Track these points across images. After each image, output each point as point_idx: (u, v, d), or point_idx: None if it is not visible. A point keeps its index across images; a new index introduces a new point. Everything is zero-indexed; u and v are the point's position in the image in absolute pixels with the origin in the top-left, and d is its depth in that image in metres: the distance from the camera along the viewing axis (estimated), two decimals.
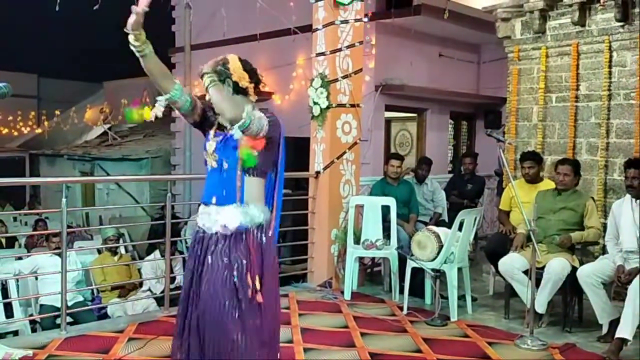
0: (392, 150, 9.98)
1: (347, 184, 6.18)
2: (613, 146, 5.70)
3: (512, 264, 4.91)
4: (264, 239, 2.89)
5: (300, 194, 6.70)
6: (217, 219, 2.88)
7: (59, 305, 4.78)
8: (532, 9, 6.06)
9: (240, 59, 3.05)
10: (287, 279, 6.20)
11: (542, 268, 4.72)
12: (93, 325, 5.05)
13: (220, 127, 3.02)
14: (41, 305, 6.23)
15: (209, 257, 2.85)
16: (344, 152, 6.12)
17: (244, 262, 2.81)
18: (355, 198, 6.10)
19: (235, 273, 2.79)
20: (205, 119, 3.09)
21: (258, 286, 2.80)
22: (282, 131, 2.95)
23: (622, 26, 5.58)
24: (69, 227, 9.63)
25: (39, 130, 20.80)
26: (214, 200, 2.93)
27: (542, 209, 4.95)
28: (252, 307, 2.80)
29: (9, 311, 5.90)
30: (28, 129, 21.41)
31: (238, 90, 2.94)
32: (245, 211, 2.86)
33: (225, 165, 2.94)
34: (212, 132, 3.05)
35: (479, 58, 10.89)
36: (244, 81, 2.96)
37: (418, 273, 5.37)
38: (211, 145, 3.02)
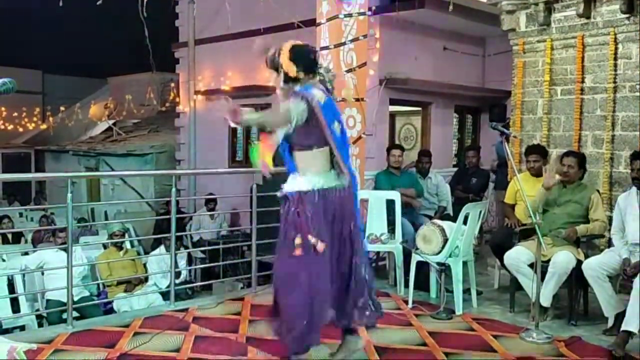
0: None
1: None
2: (618, 139, 5.68)
3: (518, 257, 4.90)
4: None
5: None
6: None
7: (65, 300, 4.80)
8: (537, 1, 6.03)
9: (293, 47, 3.36)
10: None
11: (548, 261, 4.70)
12: (99, 319, 5.07)
13: None
14: (47, 300, 6.27)
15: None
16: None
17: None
18: (360, 192, 6.08)
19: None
20: None
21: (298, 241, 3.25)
22: (323, 109, 3.26)
23: (628, 18, 5.54)
24: (78, 221, 9.74)
25: (44, 126, 20.86)
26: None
27: (548, 202, 4.94)
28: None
29: (15, 306, 5.94)
30: (33, 125, 21.47)
31: (288, 79, 3.32)
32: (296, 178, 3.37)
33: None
34: None
35: (484, 51, 10.84)
36: (292, 72, 3.30)
37: (423, 267, 5.37)
38: None
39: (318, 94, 3.27)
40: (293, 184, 3.36)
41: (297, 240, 3.24)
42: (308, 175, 3.34)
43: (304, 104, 3.20)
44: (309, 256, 3.25)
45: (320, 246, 3.25)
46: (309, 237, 3.24)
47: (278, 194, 3.38)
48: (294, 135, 3.30)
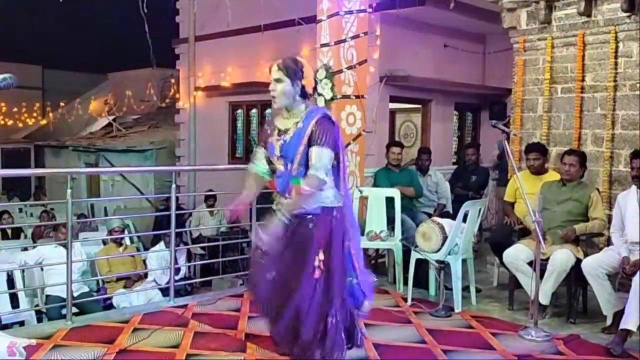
0: None
1: (351, 175, 6.17)
2: (619, 137, 5.68)
3: (517, 255, 4.91)
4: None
5: None
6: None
7: (64, 295, 4.81)
8: None
9: (308, 65, 3.35)
10: None
11: (547, 259, 4.71)
12: (98, 315, 5.07)
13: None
14: (47, 296, 6.27)
15: None
16: (349, 144, 6.11)
17: None
18: (360, 189, 6.09)
19: None
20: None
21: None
22: (336, 129, 3.28)
23: (629, 16, 5.53)
24: (77, 217, 9.73)
25: (43, 122, 20.87)
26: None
27: (547, 200, 4.94)
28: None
29: (15, 302, 5.94)
30: (33, 120, 21.48)
31: (304, 93, 3.28)
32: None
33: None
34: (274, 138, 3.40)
35: (484, 49, 10.83)
36: (310, 87, 3.29)
37: (422, 264, 5.37)
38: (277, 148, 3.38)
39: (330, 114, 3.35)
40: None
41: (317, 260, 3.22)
42: (327, 191, 3.28)
43: (332, 143, 3.23)
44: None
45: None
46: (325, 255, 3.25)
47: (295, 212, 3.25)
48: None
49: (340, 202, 3.33)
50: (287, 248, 3.26)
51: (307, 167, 3.23)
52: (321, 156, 3.17)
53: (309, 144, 3.21)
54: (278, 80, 3.23)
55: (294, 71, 3.23)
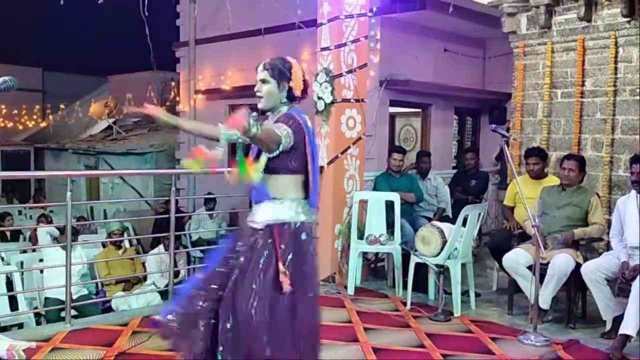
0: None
1: (351, 179, 6.18)
2: (618, 142, 5.68)
3: (517, 259, 4.91)
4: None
5: None
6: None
7: (63, 298, 4.80)
8: (538, 3, 6.04)
9: (301, 69, 3.10)
10: None
11: (547, 264, 4.71)
12: (97, 318, 5.07)
13: None
14: (46, 298, 6.26)
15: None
16: (348, 147, 6.12)
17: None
18: (360, 193, 6.10)
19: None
20: None
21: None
22: (309, 136, 3.01)
23: (629, 22, 5.55)
24: (77, 220, 9.71)
25: (43, 124, 20.84)
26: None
27: (547, 205, 4.94)
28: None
29: (14, 304, 5.93)
30: (33, 122, 21.47)
31: (291, 96, 3.04)
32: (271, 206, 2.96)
33: None
34: None
35: (485, 53, 10.84)
36: (298, 90, 3.05)
37: (421, 268, 5.37)
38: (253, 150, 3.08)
39: (309, 121, 3.06)
40: (271, 213, 2.95)
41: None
42: (287, 202, 2.96)
43: (292, 127, 2.92)
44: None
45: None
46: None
47: (252, 225, 2.95)
48: (274, 159, 2.91)
49: (310, 218, 3.01)
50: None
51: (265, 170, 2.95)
52: (279, 126, 2.89)
53: None
54: (263, 81, 3.02)
55: (280, 72, 3.01)
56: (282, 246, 2.90)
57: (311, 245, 3.03)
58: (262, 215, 2.95)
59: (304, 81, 3.08)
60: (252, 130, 2.70)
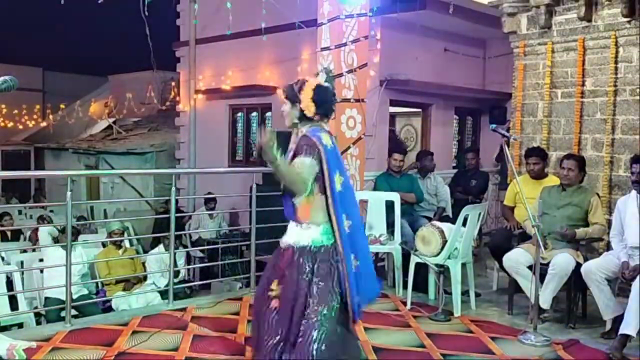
0: None
1: (351, 178, 6.16)
2: (618, 142, 5.68)
3: (517, 259, 4.91)
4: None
5: None
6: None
7: (63, 298, 4.80)
8: (538, 3, 6.04)
9: (318, 87, 3.24)
10: None
11: (547, 264, 4.71)
12: (97, 318, 5.07)
13: None
14: (46, 298, 6.26)
15: None
16: (349, 147, 6.12)
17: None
18: (360, 193, 6.09)
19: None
20: None
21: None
22: (327, 158, 3.11)
23: (629, 22, 5.54)
24: (77, 219, 9.72)
25: (44, 124, 20.86)
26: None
27: (547, 204, 4.94)
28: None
29: (14, 304, 5.93)
30: (33, 122, 21.48)
31: (303, 117, 3.20)
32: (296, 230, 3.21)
33: None
34: None
35: (485, 53, 10.84)
36: (308, 112, 3.18)
37: (422, 268, 5.37)
38: None
39: (325, 137, 3.17)
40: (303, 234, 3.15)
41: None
42: (313, 227, 3.14)
43: (316, 157, 3.09)
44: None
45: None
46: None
47: (285, 245, 3.20)
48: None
49: (331, 239, 3.13)
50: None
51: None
52: (303, 162, 3.07)
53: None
54: (284, 102, 3.26)
55: (292, 95, 3.22)
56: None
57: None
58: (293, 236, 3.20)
59: (314, 101, 3.17)
60: (276, 164, 2.94)
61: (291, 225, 3.22)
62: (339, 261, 3.11)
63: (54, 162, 18.40)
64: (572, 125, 5.99)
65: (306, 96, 3.18)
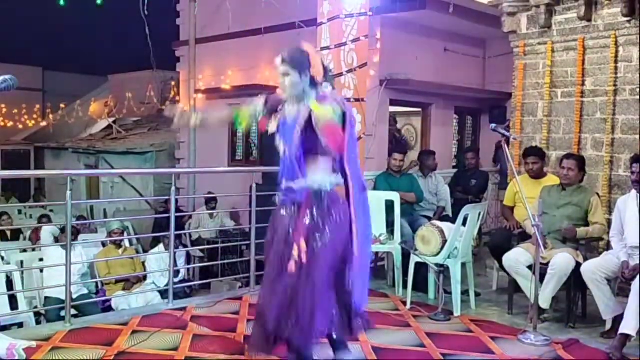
0: None
1: None
2: (618, 142, 5.68)
3: (517, 258, 4.90)
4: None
5: None
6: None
7: (63, 297, 4.80)
8: (538, 3, 6.04)
9: (316, 53, 3.26)
10: None
11: (547, 264, 4.71)
12: (97, 317, 5.07)
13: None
14: (46, 298, 6.26)
15: None
16: None
17: None
18: None
19: None
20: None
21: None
22: (348, 114, 3.14)
23: (629, 21, 5.54)
24: (77, 219, 9.72)
25: (44, 124, 20.86)
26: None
27: (547, 204, 4.94)
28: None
29: (14, 303, 5.93)
30: (33, 122, 21.49)
31: (313, 83, 3.14)
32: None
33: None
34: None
35: (485, 53, 10.85)
36: (319, 76, 3.15)
37: (421, 268, 5.37)
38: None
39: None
40: (321, 179, 3.18)
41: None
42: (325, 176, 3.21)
43: (340, 108, 3.08)
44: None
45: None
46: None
47: (307, 189, 3.18)
48: (317, 141, 3.09)
49: (332, 186, 3.21)
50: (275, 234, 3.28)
51: (305, 150, 3.14)
52: (326, 109, 3.02)
53: (306, 127, 3.10)
54: (285, 74, 3.13)
55: (300, 62, 3.12)
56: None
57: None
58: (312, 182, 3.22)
59: (322, 64, 3.19)
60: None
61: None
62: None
63: (54, 162, 18.41)
64: (572, 124, 5.99)
65: (317, 62, 3.15)
